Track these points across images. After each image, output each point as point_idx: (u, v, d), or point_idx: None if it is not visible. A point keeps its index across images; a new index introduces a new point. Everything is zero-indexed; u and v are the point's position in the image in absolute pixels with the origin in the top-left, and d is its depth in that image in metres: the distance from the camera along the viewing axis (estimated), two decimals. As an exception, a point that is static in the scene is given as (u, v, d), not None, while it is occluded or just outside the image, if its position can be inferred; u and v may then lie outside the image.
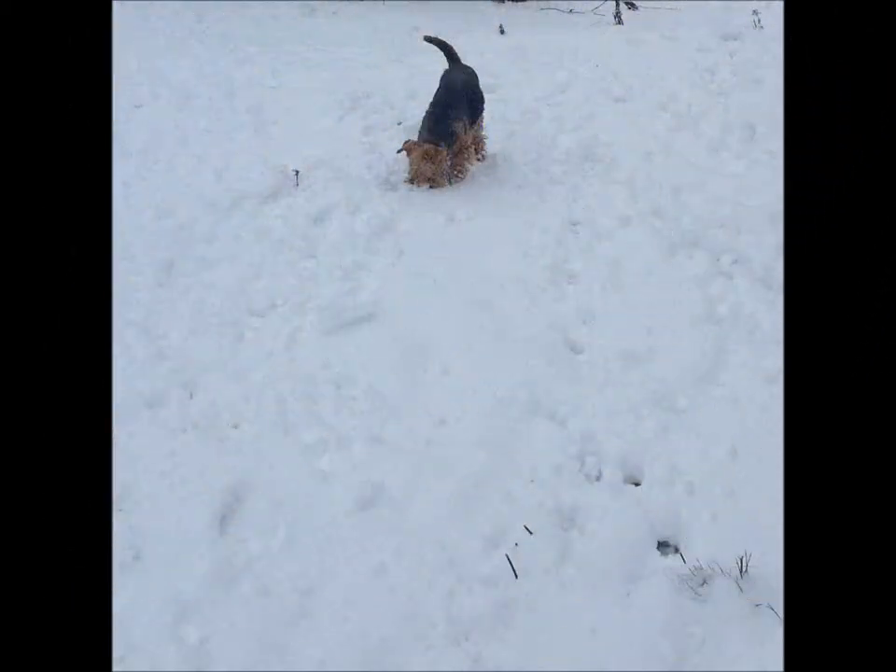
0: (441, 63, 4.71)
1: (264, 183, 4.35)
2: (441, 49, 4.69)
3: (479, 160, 4.60)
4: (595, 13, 8.11)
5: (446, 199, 4.23)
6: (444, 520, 2.46)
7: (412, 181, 4.33)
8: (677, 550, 2.38)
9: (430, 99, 4.43)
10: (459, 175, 4.42)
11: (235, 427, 2.84)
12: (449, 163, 4.37)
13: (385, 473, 2.62)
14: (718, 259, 3.63)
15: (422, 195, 4.27)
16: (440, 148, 4.21)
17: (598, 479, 2.62)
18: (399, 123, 5.17)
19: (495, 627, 2.17)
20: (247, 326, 3.34)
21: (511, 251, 3.76)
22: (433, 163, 4.22)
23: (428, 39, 4.79)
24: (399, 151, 4.34)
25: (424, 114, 4.39)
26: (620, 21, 7.72)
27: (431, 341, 3.19)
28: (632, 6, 8.32)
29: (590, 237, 3.87)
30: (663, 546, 2.41)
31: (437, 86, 4.50)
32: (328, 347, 3.19)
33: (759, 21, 7.14)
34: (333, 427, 2.81)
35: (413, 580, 2.29)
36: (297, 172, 4.44)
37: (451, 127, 4.28)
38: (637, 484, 2.60)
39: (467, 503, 2.51)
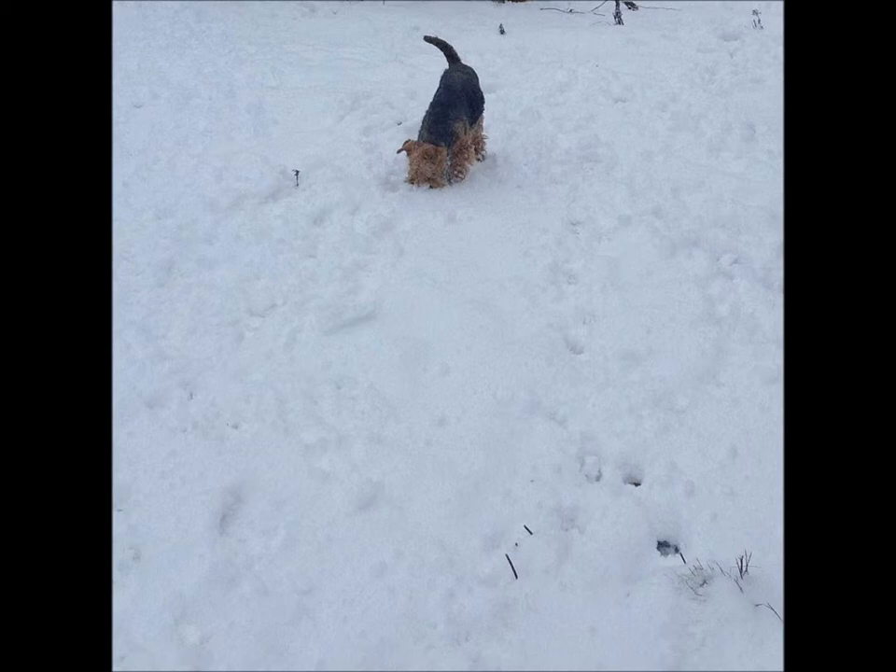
0: (441, 63, 4.72)
1: (264, 183, 4.35)
2: (441, 49, 4.70)
3: (479, 160, 4.61)
4: (594, 13, 8.12)
5: (446, 199, 4.23)
6: (444, 520, 2.46)
7: (412, 181, 4.33)
8: (677, 550, 2.38)
9: (430, 99, 4.43)
10: (459, 175, 4.42)
11: (235, 427, 2.84)
12: (449, 163, 4.38)
13: (384, 473, 2.62)
14: (718, 259, 3.64)
15: (422, 195, 4.27)
16: (440, 148, 4.21)
17: (598, 479, 2.62)
18: (399, 123, 5.17)
19: (495, 627, 2.17)
20: (247, 326, 3.34)
21: (511, 251, 3.77)
22: (433, 163, 4.22)
23: (428, 39, 4.80)
24: (398, 151, 4.34)
25: (424, 114, 4.39)
26: (620, 21, 7.73)
27: (431, 341, 3.20)
28: (632, 6, 8.32)
29: (590, 237, 3.87)
30: (663, 546, 2.41)
31: (437, 86, 4.50)
32: (328, 347, 3.19)
33: (759, 20, 7.17)
34: (333, 427, 2.81)
35: (413, 580, 2.29)
36: (297, 172, 4.44)
37: (451, 127, 4.28)
38: (636, 484, 2.60)
39: (467, 503, 2.51)
